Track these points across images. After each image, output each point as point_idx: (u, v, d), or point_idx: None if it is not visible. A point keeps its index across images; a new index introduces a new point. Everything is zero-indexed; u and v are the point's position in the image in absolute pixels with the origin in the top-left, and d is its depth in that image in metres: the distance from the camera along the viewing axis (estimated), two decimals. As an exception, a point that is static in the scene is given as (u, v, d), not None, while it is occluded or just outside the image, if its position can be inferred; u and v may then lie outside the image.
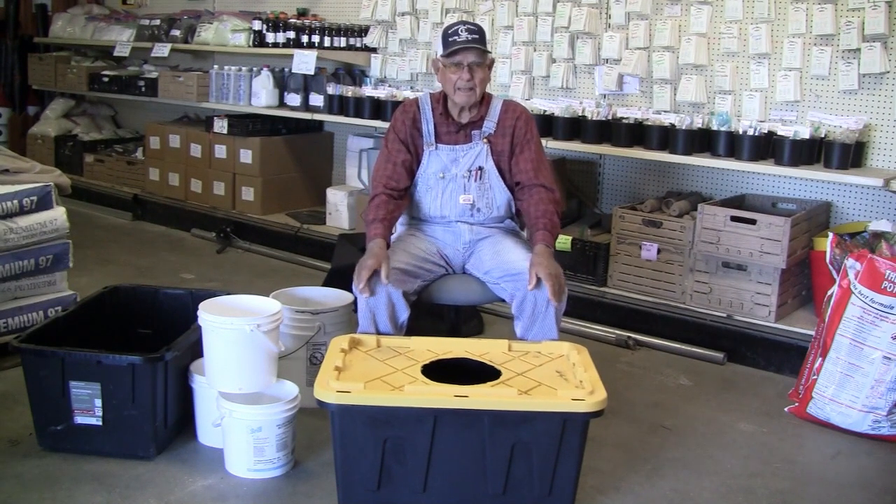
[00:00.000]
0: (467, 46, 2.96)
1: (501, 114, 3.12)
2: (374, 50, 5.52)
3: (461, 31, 2.99)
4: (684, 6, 4.33)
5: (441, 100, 3.12)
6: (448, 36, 3.00)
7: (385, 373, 2.53)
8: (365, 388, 2.40)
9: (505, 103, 3.16)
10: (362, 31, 5.55)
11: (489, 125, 3.11)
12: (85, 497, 2.54)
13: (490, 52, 3.07)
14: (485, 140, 3.10)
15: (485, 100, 3.13)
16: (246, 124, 5.72)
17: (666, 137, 4.14)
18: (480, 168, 3.09)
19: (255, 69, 5.76)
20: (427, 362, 2.61)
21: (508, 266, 2.93)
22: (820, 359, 3.22)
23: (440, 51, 3.04)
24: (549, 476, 2.43)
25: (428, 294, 3.02)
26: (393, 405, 2.37)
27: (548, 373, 2.58)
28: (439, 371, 2.58)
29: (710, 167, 4.21)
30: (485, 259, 3.04)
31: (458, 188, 3.10)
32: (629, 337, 3.99)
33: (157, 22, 6.44)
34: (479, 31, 3.02)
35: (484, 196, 3.11)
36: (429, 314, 3.65)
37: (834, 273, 3.25)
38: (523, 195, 3.09)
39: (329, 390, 2.38)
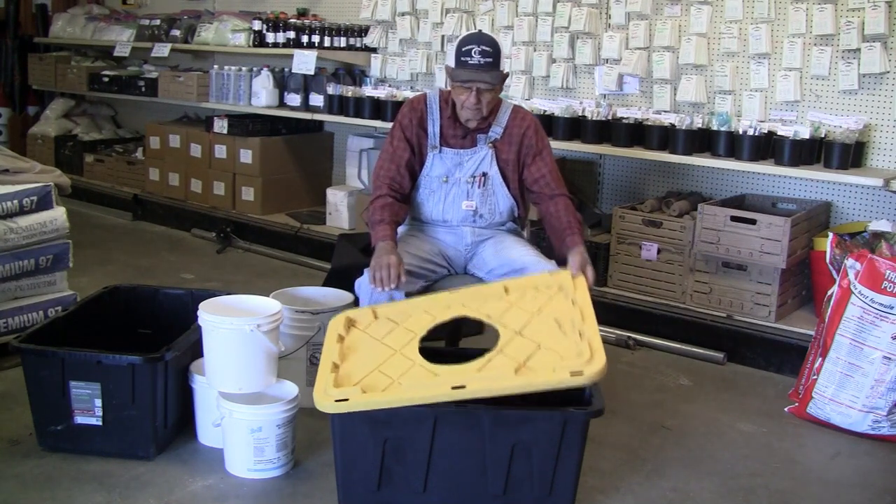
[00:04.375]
0: (478, 77, 2.87)
1: (510, 121, 3.07)
2: (374, 50, 5.52)
3: (475, 52, 2.86)
4: (684, 6, 4.33)
5: (450, 101, 3.05)
6: (461, 54, 2.88)
7: (383, 358, 2.50)
8: (362, 390, 2.37)
9: (514, 110, 3.10)
10: (362, 31, 5.55)
11: (496, 130, 3.06)
12: (85, 497, 2.54)
13: (503, 71, 2.95)
14: (490, 145, 3.06)
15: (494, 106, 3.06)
16: (246, 124, 5.72)
17: (666, 137, 4.14)
18: (484, 174, 3.06)
19: (255, 69, 5.75)
20: (425, 332, 2.59)
21: (511, 262, 2.93)
22: (820, 359, 3.22)
23: (452, 62, 2.93)
24: (549, 476, 2.43)
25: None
26: (393, 407, 2.37)
27: (546, 326, 2.53)
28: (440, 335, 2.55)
29: (710, 167, 4.21)
30: (487, 258, 3.04)
31: (461, 193, 3.07)
32: (629, 337, 3.99)
33: (157, 22, 6.44)
34: (494, 54, 2.88)
35: (487, 202, 3.09)
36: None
37: (834, 273, 3.25)
38: (544, 203, 3.06)
39: (327, 399, 2.36)
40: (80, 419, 2.73)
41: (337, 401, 2.35)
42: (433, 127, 3.07)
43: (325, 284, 3.57)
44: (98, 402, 2.71)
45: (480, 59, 2.86)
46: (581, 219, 3.06)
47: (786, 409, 3.35)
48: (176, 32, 6.28)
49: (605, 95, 4.66)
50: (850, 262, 3.14)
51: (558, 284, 2.72)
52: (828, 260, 3.33)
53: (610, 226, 4.25)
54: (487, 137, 3.07)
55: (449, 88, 3.06)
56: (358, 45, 5.56)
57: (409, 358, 2.50)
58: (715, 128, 4.01)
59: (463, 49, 2.89)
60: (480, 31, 2.99)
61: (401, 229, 3.19)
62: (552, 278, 2.76)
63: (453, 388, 2.35)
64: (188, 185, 6.03)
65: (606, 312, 4.13)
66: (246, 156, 5.68)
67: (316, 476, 2.72)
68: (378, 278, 2.74)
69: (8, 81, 7.68)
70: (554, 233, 3.03)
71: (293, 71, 5.38)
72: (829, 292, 3.25)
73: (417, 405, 2.37)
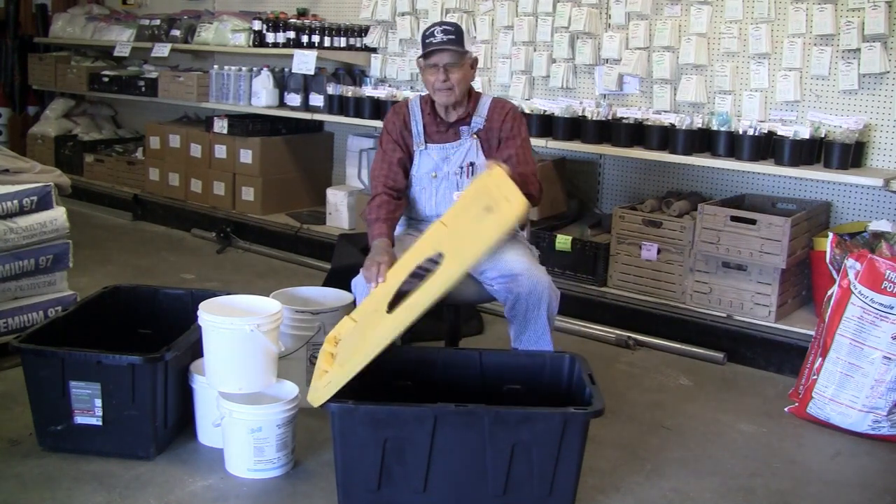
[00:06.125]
0: (441, 48, 2.99)
1: (490, 111, 3.15)
2: (374, 50, 5.52)
3: (437, 32, 3.01)
4: (684, 6, 4.33)
5: (430, 100, 3.16)
6: (425, 37, 3.04)
7: (359, 336, 2.57)
8: (340, 366, 2.45)
9: (494, 101, 3.18)
10: (362, 31, 5.55)
11: (477, 121, 3.14)
12: (85, 497, 2.54)
13: (468, 52, 3.06)
14: (474, 136, 3.13)
15: (472, 97, 3.16)
16: (246, 124, 5.72)
17: (666, 137, 4.14)
18: (472, 164, 3.12)
19: (255, 69, 5.75)
20: (391, 297, 2.64)
21: (503, 267, 2.93)
22: (820, 359, 3.22)
23: (421, 52, 3.08)
24: (549, 476, 2.43)
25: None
26: (396, 407, 2.37)
27: (478, 219, 2.61)
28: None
29: (710, 167, 4.21)
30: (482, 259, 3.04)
31: (451, 186, 3.13)
32: (629, 337, 3.99)
33: (157, 22, 6.44)
34: (456, 32, 3.02)
35: None
36: (428, 315, 3.64)
37: (834, 273, 3.25)
38: None
39: (315, 392, 2.43)
40: (80, 419, 2.73)
41: (325, 387, 2.41)
42: (416, 126, 3.17)
43: (325, 284, 3.57)
44: (98, 402, 2.71)
45: (443, 37, 3.00)
46: (539, 190, 3.06)
47: (786, 409, 3.35)
48: (176, 32, 6.28)
49: (605, 95, 4.66)
50: (850, 262, 3.14)
51: (481, 185, 2.74)
52: (828, 260, 3.33)
53: (610, 226, 4.25)
54: (471, 129, 3.14)
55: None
56: (358, 45, 5.56)
57: (377, 320, 2.58)
58: (715, 128, 4.01)
59: (426, 33, 3.05)
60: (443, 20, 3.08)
61: (398, 230, 3.23)
62: (476, 186, 2.77)
63: (388, 310, 2.52)
64: (188, 185, 6.03)
65: (606, 312, 4.14)
66: (246, 156, 5.68)
67: (316, 476, 2.72)
68: (367, 276, 2.81)
69: (8, 81, 7.68)
70: None
71: (293, 71, 5.38)
72: (829, 292, 3.25)
73: (419, 406, 2.38)
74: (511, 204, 2.54)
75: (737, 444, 3.08)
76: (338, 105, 5.28)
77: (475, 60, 3.13)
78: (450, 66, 3.00)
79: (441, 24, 3.07)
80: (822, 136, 3.84)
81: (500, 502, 2.46)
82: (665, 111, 4.34)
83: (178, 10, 6.64)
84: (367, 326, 2.59)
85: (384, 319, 2.55)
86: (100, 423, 2.73)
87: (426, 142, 3.15)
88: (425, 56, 3.03)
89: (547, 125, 4.47)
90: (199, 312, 2.76)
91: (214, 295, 3.01)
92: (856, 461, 3.00)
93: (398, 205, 3.11)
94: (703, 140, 4.07)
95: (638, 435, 3.10)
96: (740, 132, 3.90)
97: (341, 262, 3.83)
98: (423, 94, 3.25)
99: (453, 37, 3.00)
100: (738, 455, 2.99)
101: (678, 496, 2.69)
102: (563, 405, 2.49)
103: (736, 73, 4.21)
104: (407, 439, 2.40)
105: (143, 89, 6.45)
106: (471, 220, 2.64)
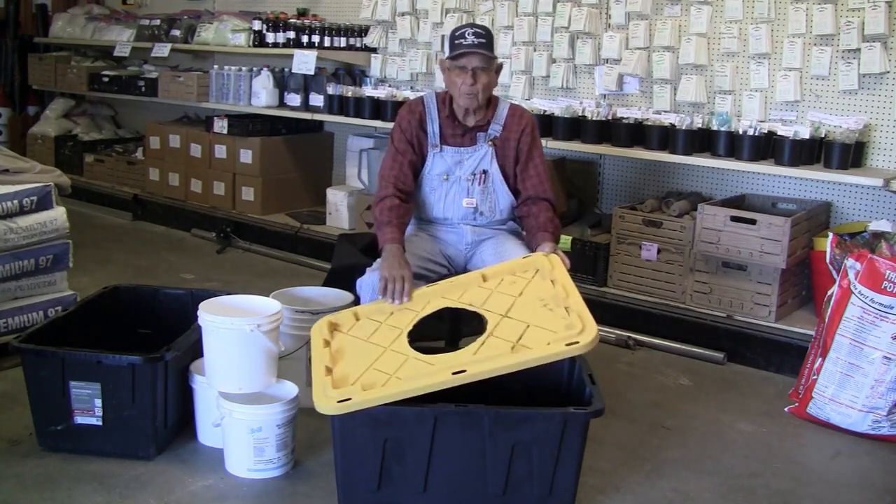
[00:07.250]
0: (472, 51, 2.94)
1: (508, 118, 3.11)
2: (374, 50, 5.52)
3: (468, 34, 2.96)
4: (684, 6, 4.33)
5: (447, 101, 3.11)
6: (455, 38, 2.98)
7: (375, 356, 2.51)
8: (363, 388, 2.37)
9: (512, 108, 3.15)
10: (362, 31, 5.55)
11: (495, 128, 3.10)
12: (85, 497, 2.54)
13: (497, 58, 3.04)
14: (490, 143, 3.10)
15: (491, 103, 3.12)
16: (246, 124, 5.72)
17: (666, 137, 4.14)
18: (485, 171, 3.09)
19: (255, 69, 5.76)
20: (411, 327, 2.60)
21: None
22: (820, 359, 3.22)
23: (446, 52, 3.03)
24: (549, 476, 2.43)
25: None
26: (397, 400, 2.36)
27: (532, 306, 2.56)
28: (425, 328, 2.58)
29: (710, 167, 4.21)
30: (487, 260, 3.04)
31: (462, 191, 3.10)
32: (629, 337, 3.99)
33: (157, 22, 6.44)
34: (487, 35, 2.99)
35: (487, 199, 3.11)
36: (428, 315, 3.63)
37: (834, 273, 3.25)
38: (528, 206, 3.10)
39: (329, 401, 2.35)
40: (80, 419, 2.73)
41: (339, 401, 2.34)
42: (432, 126, 3.11)
43: (325, 284, 3.57)
44: (98, 402, 2.71)
45: (474, 39, 2.95)
46: (559, 225, 3.10)
47: (786, 409, 3.35)
48: (176, 32, 6.28)
49: (605, 95, 4.66)
50: (850, 262, 3.14)
51: (534, 268, 2.77)
52: (828, 260, 3.33)
53: (610, 226, 4.25)
54: (487, 135, 3.10)
55: (444, 90, 3.13)
56: (358, 45, 5.56)
57: (401, 353, 2.51)
58: (715, 128, 4.01)
59: (456, 34, 3.00)
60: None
61: (406, 231, 3.21)
62: (527, 262, 2.81)
63: (454, 373, 2.36)
64: (188, 185, 6.03)
65: (606, 312, 4.14)
66: (246, 156, 5.68)
67: (316, 476, 2.72)
68: (389, 290, 2.76)
69: (8, 81, 7.68)
70: (529, 231, 3.09)
71: (293, 71, 5.38)
72: (829, 292, 3.25)
73: (419, 406, 2.37)
74: (586, 332, 2.40)
75: (737, 444, 3.08)
76: (338, 105, 5.28)
77: (500, 66, 3.09)
78: (479, 69, 2.96)
79: (472, 25, 3.02)
80: (822, 136, 3.84)
81: (500, 502, 2.46)
82: (665, 111, 4.34)
83: (178, 10, 6.65)
84: (396, 365, 2.47)
85: (426, 371, 2.41)
86: (100, 423, 2.73)
87: (441, 143, 3.11)
88: (455, 57, 2.97)
89: (547, 125, 4.47)
90: (199, 312, 2.75)
91: (214, 295, 3.01)
92: (856, 461, 3.00)
93: (408, 208, 3.08)
94: (703, 140, 4.07)
95: (638, 435, 3.10)
96: (740, 132, 3.90)
97: (341, 262, 3.82)
98: (438, 91, 3.21)
99: (484, 40, 2.96)
100: (738, 455, 2.99)
101: (678, 496, 2.69)
102: (563, 405, 2.49)
103: (736, 73, 4.21)
104: (407, 439, 2.40)
105: (143, 89, 6.45)
106: (524, 307, 2.58)
